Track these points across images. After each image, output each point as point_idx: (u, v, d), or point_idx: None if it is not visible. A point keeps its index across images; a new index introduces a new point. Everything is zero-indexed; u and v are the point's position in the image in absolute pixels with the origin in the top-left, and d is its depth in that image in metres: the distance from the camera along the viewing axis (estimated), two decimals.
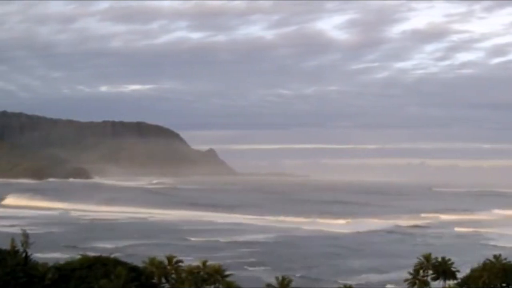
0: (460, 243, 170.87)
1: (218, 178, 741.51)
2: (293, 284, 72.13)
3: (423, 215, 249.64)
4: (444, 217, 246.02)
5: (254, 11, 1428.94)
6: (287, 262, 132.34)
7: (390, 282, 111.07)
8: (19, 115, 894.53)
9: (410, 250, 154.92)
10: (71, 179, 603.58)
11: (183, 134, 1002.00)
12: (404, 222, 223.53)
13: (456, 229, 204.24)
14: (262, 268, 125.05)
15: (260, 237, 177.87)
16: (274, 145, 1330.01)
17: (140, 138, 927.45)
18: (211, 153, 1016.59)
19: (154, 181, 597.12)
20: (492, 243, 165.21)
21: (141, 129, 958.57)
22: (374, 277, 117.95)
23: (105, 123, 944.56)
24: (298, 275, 77.46)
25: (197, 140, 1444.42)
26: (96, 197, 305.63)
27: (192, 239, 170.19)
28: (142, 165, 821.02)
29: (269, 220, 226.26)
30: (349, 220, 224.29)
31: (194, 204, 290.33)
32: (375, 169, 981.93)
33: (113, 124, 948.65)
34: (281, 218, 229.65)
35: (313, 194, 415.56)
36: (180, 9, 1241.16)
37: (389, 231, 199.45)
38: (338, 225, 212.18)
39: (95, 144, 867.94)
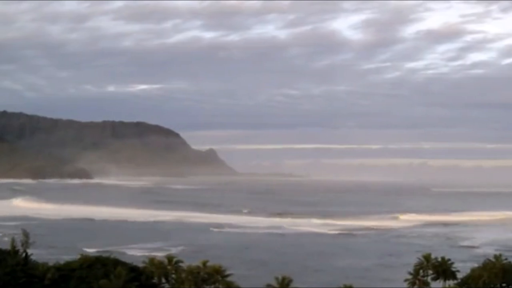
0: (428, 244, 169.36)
1: (216, 178, 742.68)
2: (292, 284, 72.05)
3: (405, 215, 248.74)
4: (426, 217, 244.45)
5: (270, 11, 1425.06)
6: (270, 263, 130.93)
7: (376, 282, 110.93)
8: (19, 115, 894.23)
9: (389, 250, 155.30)
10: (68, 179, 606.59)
11: (183, 134, 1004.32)
12: (384, 222, 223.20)
13: (431, 229, 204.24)
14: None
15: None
16: (278, 145, 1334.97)
17: (140, 138, 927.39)
18: (211, 153, 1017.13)
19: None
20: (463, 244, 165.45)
21: (141, 129, 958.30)
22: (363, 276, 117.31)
23: (105, 123, 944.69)
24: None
25: (197, 140, 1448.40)
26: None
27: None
28: (142, 165, 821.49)
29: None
30: (331, 221, 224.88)
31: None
32: (377, 169, 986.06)
33: (113, 124, 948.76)
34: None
35: (296, 195, 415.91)
36: (196, 8, 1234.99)
37: (368, 231, 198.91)
38: (319, 225, 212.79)
39: (95, 144, 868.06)
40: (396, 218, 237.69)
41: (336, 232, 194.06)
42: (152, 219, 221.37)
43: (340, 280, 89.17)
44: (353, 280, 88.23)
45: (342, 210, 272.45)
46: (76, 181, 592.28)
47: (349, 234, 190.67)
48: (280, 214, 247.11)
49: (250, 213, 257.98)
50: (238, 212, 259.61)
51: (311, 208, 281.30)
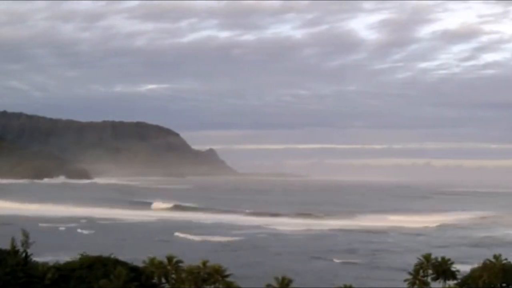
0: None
1: (214, 178, 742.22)
2: (292, 284, 72.05)
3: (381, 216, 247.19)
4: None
5: (288, 10, 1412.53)
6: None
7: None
8: (19, 115, 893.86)
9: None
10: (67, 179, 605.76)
11: (183, 134, 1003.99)
12: (365, 223, 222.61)
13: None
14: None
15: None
16: (280, 145, 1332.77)
17: (140, 138, 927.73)
18: (211, 153, 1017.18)
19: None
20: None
21: (141, 129, 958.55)
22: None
23: (105, 123, 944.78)
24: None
25: (197, 140, 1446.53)
26: None
27: None
28: (142, 165, 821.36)
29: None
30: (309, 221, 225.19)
31: None
32: (379, 169, 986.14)
33: (113, 124, 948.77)
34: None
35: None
36: (213, 8, 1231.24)
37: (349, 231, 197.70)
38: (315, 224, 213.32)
39: (95, 144, 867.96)
40: (384, 218, 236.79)
41: (333, 232, 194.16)
42: (147, 218, 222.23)
43: (339, 280, 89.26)
44: (352, 280, 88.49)
45: (338, 210, 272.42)
46: (75, 181, 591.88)
47: (348, 233, 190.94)
48: (275, 214, 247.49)
49: (245, 212, 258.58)
50: (235, 211, 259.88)
51: (301, 207, 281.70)
